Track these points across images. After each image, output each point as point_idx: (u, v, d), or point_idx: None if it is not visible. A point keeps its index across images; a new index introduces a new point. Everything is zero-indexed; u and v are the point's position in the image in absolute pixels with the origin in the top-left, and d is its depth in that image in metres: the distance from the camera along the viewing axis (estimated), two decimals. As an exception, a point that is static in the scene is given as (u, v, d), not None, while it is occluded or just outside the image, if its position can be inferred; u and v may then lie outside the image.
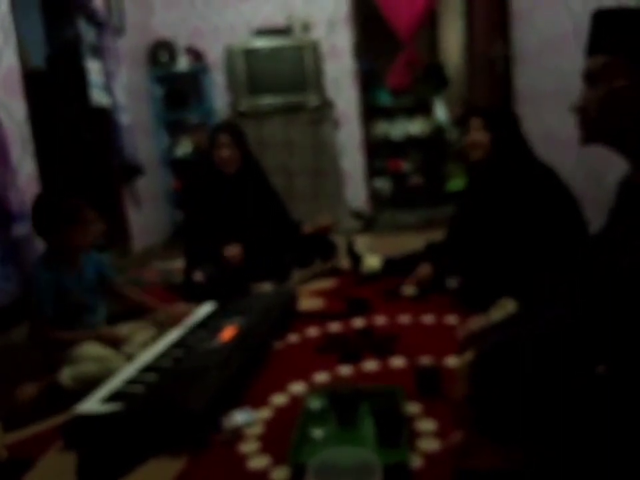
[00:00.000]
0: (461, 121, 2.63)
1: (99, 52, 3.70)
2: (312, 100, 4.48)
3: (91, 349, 2.01)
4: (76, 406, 1.60)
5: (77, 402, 1.64)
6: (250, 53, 4.44)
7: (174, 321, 2.27)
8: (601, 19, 1.12)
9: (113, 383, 1.73)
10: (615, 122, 1.09)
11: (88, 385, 1.83)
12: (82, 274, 2.15)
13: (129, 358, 2.02)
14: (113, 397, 1.63)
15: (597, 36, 1.11)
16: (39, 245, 2.59)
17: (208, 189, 3.00)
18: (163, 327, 2.24)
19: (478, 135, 2.38)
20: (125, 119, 3.85)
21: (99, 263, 2.25)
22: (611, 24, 1.09)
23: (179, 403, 1.52)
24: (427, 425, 1.49)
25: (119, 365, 1.95)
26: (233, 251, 2.87)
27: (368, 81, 5.14)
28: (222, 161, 2.93)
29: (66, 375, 1.91)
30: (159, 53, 4.65)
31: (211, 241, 2.91)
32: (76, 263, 2.14)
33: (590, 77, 1.12)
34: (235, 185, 3.01)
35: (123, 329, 2.19)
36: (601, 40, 1.10)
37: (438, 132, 5.63)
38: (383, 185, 5.60)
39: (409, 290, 2.62)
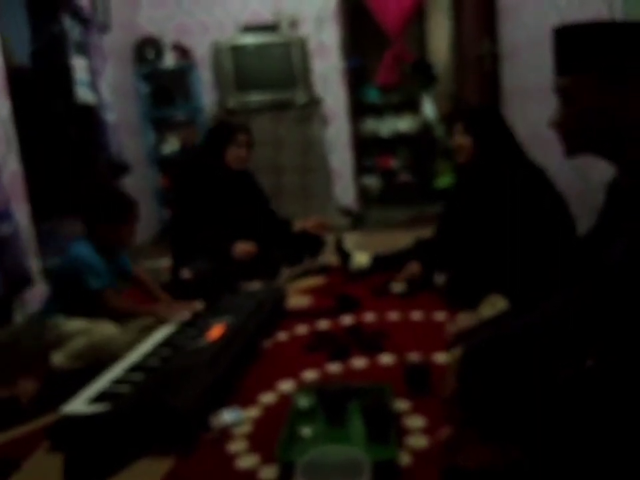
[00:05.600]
0: (447, 124, 2.71)
1: (84, 49, 3.66)
2: (300, 97, 4.46)
3: (73, 324, 2.08)
4: (63, 406, 1.58)
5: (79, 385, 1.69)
6: (237, 50, 4.41)
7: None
8: (565, 37, 1.12)
9: (100, 383, 1.71)
10: (595, 134, 1.11)
11: (83, 359, 1.96)
12: (113, 266, 2.22)
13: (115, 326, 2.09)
14: (100, 397, 1.62)
15: (565, 55, 1.12)
16: (25, 245, 2.56)
17: (211, 185, 2.94)
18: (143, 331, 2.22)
19: (460, 139, 2.45)
20: (110, 116, 3.81)
21: (123, 260, 2.33)
22: (577, 42, 1.09)
23: (167, 403, 1.50)
24: (415, 422, 1.50)
25: (105, 331, 2.03)
26: (246, 248, 2.85)
27: (356, 77, 5.13)
28: (239, 160, 2.94)
29: (58, 356, 1.97)
30: (145, 50, 4.61)
31: (214, 237, 2.86)
32: (113, 256, 2.21)
33: (564, 95, 1.13)
34: (239, 183, 3.03)
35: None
36: (569, 60, 1.11)
37: (426, 129, 5.64)
38: (372, 182, 5.61)
39: (397, 287, 2.63)
